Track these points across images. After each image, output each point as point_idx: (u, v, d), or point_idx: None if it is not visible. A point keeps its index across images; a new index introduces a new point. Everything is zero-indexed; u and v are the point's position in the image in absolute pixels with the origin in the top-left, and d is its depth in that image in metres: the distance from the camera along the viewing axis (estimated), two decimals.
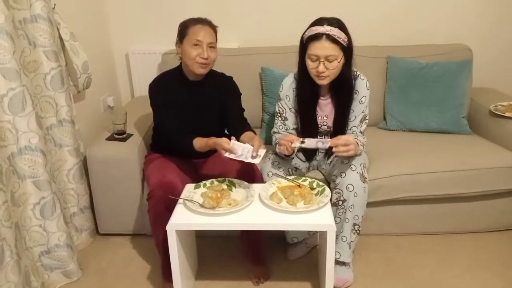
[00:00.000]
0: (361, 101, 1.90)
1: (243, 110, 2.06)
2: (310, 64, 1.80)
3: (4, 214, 1.57)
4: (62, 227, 1.90)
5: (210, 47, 1.86)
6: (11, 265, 1.59)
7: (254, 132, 1.93)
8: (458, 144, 2.28)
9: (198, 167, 2.06)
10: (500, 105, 2.39)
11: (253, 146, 1.71)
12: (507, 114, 2.30)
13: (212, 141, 1.75)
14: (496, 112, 2.33)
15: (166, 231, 1.62)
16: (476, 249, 2.14)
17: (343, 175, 1.82)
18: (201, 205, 1.66)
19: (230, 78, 2.06)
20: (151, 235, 1.89)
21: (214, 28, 1.90)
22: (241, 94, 2.06)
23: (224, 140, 1.70)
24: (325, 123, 1.96)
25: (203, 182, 1.82)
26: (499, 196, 2.15)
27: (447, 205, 2.16)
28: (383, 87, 2.55)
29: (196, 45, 1.83)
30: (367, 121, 1.95)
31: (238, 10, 2.71)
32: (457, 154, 2.17)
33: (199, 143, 1.82)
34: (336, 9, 2.66)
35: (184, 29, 1.88)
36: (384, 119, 2.57)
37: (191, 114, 1.97)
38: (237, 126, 1.96)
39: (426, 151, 2.21)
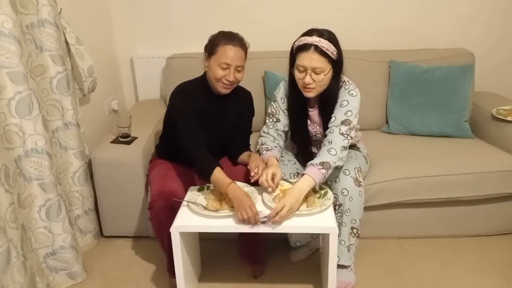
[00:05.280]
0: (342, 104, 1.82)
1: (251, 133, 2.08)
2: (297, 75, 1.78)
3: (11, 215, 1.59)
4: (67, 229, 1.92)
5: (238, 70, 1.81)
6: (17, 266, 1.61)
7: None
8: (460, 148, 2.29)
9: None
10: (502, 109, 2.40)
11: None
12: (509, 118, 2.30)
13: (232, 191, 1.65)
14: (498, 116, 2.34)
15: (170, 236, 1.64)
16: (479, 252, 2.14)
17: (337, 180, 1.84)
18: (205, 208, 1.68)
19: (249, 95, 2.04)
20: (155, 237, 1.91)
21: (245, 48, 1.82)
22: (254, 114, 2.07)
23: (248, 202, 1.61)
24: (318, 133, 1.96)
25: (207, 185, 1.84)
26: (501, 200, 2.16)
27: (449, 208, 2.17)
28: (385, 91, 2.56)
29: (223, 68, 1.78)
30: (351, 126, 1.80)
31: (241, 15, 2.73)
32: (459, 158, 2.18)
33: (218, 176, 1.70)
34: (339, 14, 2.69)
35: (213, 46, 1.79)
36: (387, 123, 2.58)
37: (208, 126, 1.90)
38: (239, 149, 2.00)
39: (428, 155, 2.22)
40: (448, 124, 2.44)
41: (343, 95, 1.83)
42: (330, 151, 1.75)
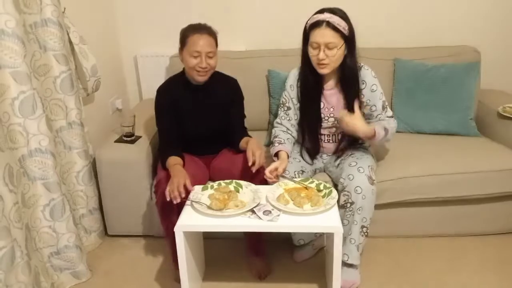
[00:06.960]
0: (373, 89, 1.93)
1: (244, 116, 2.11)
2: (311, 52, 1.85)
3: (15, 215, 1.59)
4: (72, 228, 1.93)
5: (209, 56, 1.89)
6: (21, 265, 1.61)
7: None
8: (465, 146, 2.27)
9: (208, 163, 2.10)
10: (508, 107, 2.38)
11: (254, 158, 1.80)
12: None
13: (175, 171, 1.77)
14: (504, 114, 2.32)
15: (173, 222, 1.65)
16: (484, 251, 2.12)
17: (351, 177, 1.83)
18: (209, 207, 1.68)
19: (234, 82, 2.09)
20: (160, 236, 1.91)
21: (213, 35, 1.92)
22: (243, 98, 2.10)
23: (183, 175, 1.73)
24: (331, 115, 1.98)
25: (210, 184, 1.83)
26: (507, 198, 2.14)
27: (455, 207, 2.15)
28: (390, 89, 2.55)
29: (195, 56, 1.87)
30: (388, 106, 1.98)
31: (245, 13, 2.72)
32: (464, 156, 2.16)
33: (170, 162, 1.86)
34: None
35: (183, 38, 1.91)
36: None
37: (196, 119, 2.00)
38: (236, 135, 2.02)
39: (434, 153, 2.20)
40: (453, 122, 2.42)
41: (369, 78, 1.93)
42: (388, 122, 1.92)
